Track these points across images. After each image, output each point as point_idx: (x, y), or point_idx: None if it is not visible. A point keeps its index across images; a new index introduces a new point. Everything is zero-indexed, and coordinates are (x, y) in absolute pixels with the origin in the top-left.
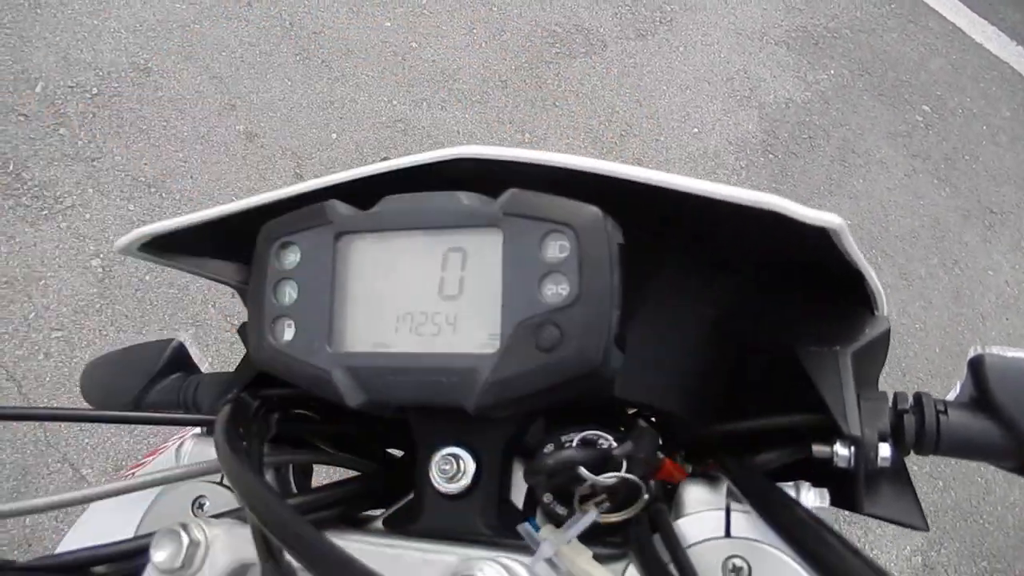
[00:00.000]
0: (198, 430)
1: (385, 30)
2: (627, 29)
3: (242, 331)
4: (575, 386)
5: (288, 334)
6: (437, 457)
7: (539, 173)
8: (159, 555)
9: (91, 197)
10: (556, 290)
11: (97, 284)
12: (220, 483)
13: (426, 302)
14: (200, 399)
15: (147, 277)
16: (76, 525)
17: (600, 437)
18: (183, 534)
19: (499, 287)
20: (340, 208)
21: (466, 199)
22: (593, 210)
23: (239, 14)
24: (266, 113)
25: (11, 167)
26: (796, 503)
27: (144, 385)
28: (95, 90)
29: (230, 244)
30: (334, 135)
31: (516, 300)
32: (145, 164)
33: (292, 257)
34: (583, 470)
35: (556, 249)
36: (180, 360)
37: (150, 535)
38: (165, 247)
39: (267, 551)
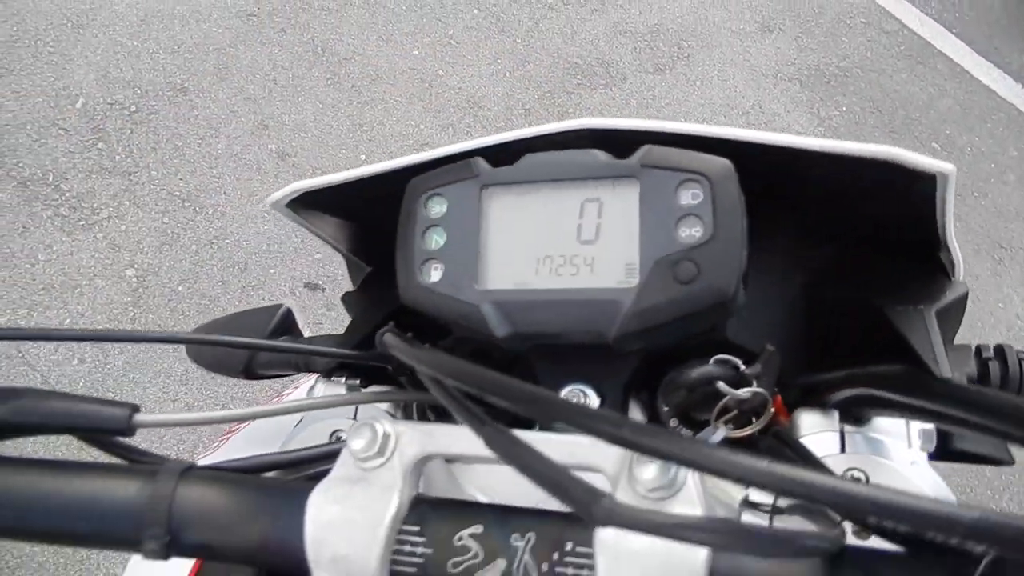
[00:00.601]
0: (313, 379)
1: (413, 58)
2: (646, 63)
3: (345, 300)
4: (707, 318)
5: (436, 275)
6: (563, 393)
7: (655, 140)
8: (357, 443)
9: (127, 209)
10: (691, 232)
11: (131, 293)
12: (354, 418)
13: (565, 246)
14: (313, 359)
15: (179, 288)
16: (204, 458)
17: (730, 360)
18: (376, 426)
19: (635, 230)
20: (484, 164)
21: (602, 155)
22: (724, 161)
23: (273, 39)
24: (298, 134)
25: (51, 178)
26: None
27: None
28: (133, 107)
29: (360, 207)
30: (363, 156)
31: (653, 241)
32: (180, 179)
33: (439, 208)
34: (722, 384)
35: (690, 196)
36: (288, 325)
37: (324, 444)
38: (307, 204)
39: (472, 416)
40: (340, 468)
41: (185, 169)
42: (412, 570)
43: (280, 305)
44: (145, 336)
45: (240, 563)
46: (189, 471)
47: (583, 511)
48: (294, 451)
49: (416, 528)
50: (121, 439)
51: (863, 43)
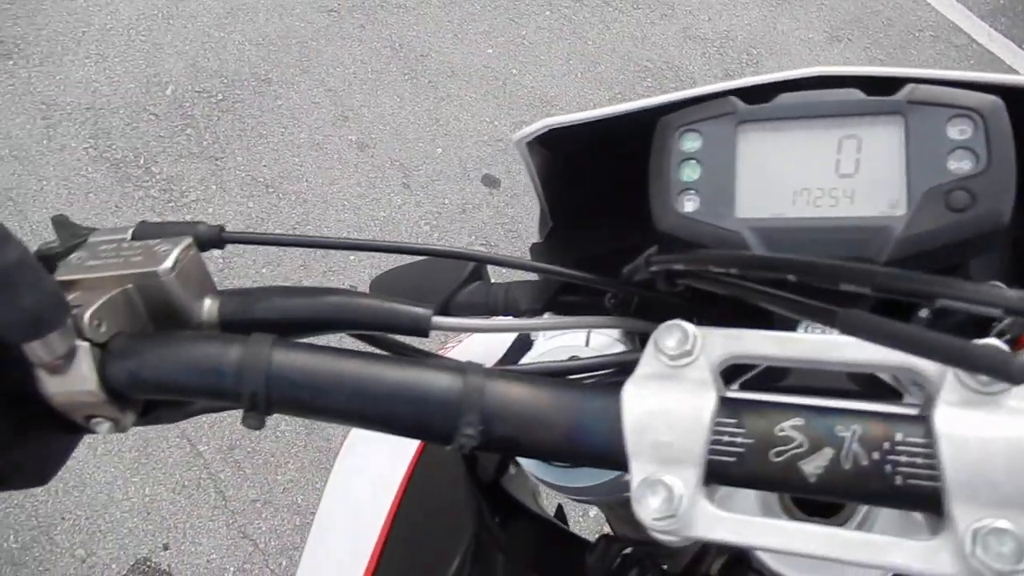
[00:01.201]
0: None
1: (487, 56)
2: (715, 68)
3: (533, 249)
4: (977, 245)
5: (692, 205)
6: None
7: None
8: (668, 341)
9: (214, 193)
10: (961, 164)
11: (216, 274)
12: (585, 344)
13: (822, 179)
14: (514, 300)
15: (264, 270)
16: None
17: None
18: (685, 325)
19: (900, 164)
20: (739, 102)
21: (860, 94)
22: (994, 98)
23: (353, 35)
24: (376, 126)
25: (142, 161)
26: None
27: (451, 291)
28: (220, 96)
29: (596, 150)
30: (439, 150)
31: (922, 173)
32: (264, 166)
33: (694, 143)
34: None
35: (960, 131)
36: (480, 271)
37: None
38: (546, 143)
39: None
40: (647, 366)
41: (269, 156)
42: (731, 459)
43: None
44: (436, 250)
45: (547, 457)
46: (492, 371)
47: (1001, 371)
48: (591, 358)
49: (733, 420)
50: (399, 339)
51: (931, 56)
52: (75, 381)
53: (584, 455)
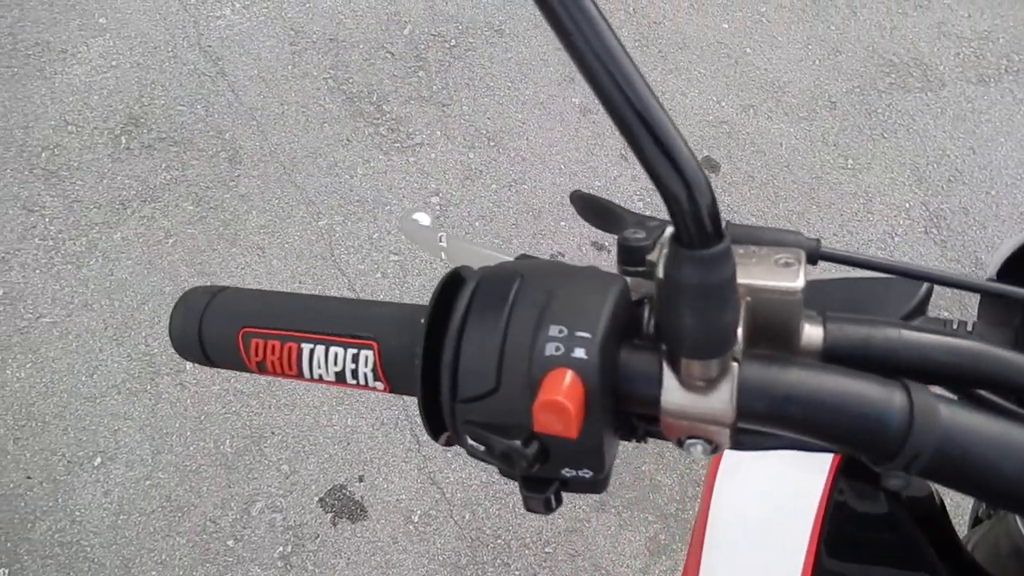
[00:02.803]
0: None
1: (722, 31)
2: (968, 72)
3: None
4: None
5: None
6: None
7: None
8: None
9: (438, 139)
10: None
11: (433, 221)
12: None
13: None
14: None
15: (476, 223)
16: None
17: None
18: None
19: None
20: None
21: None
22: None
23: None
24: None
25: (375, 98)
26: None
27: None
28: (453, 42)
29: None
30: None
31: None
32: (488, 118)
33: None
34: None
35: None
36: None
37: None
38: None
39: None
40: None
41: (493, 109)
42: None
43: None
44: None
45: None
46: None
47: None
48: None
49: None
50: None
51: None
52: (710, 402)
53: None
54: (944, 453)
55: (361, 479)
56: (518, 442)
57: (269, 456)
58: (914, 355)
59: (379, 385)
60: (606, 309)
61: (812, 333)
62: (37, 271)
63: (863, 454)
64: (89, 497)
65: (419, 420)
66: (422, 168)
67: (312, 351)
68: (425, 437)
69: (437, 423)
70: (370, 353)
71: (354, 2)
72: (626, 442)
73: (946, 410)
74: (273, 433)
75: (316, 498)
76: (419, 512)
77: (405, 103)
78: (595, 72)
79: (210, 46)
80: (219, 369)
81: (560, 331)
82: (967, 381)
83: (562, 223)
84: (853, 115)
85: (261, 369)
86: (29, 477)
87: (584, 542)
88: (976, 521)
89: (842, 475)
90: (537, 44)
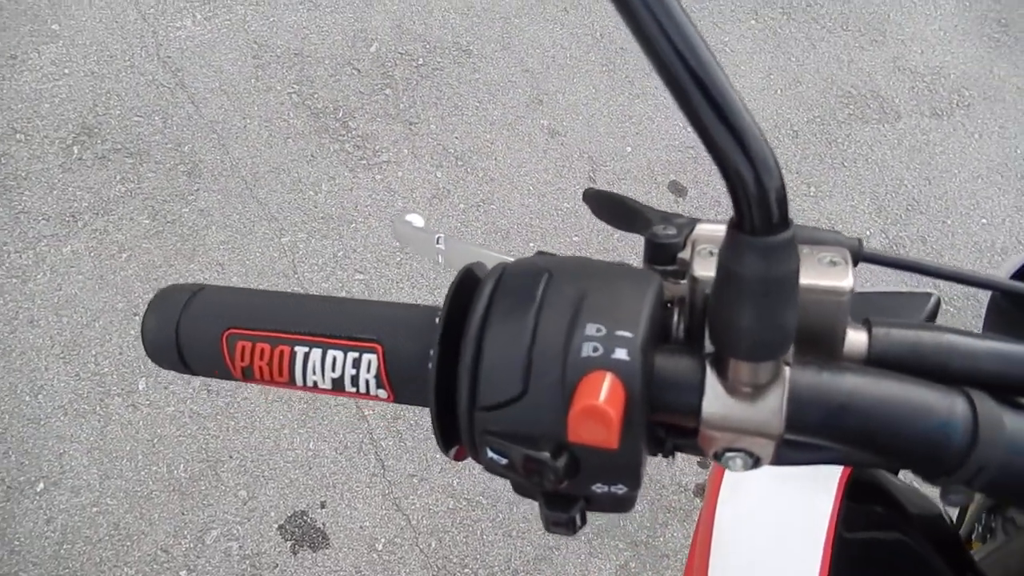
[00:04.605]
0: None
1: None
2: (923, 105)
3: None
4: None
5: None
6: None
7: None
8: None
9: (405, 157)
10: None
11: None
12: None
13: None
14: None
15: None
16: None
17: None
18: None
19: None
20: None
21: None
22: None
23: (556, 17)
24: (569, 114)
25: (340, 114)
26: None
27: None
28: (421, 60)
29: None
30: (628, 148)
31: None
32: (456, 138)
33: None
34: None
35: None
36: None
37: None
38: None
39: None
40: None
41: (461, 129)
42: None
43: (930, 294)
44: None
45: None
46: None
47: None
48: None
49: None
50: None
51: None
52: (757, 412)
53: None
54: (1011, 466)
55: (323, 505)
56: (547, 453)
57: (226, 481)
58: (967, 362)
59: (382, 394)
60: (646, 307)
61: (856, 339)
62: None
63: (921, 468)
64: (30, 525)
65: (384, 444)
66: (389, 186)
67: (307, 355)
68: (390, 462)
69: (450, 435)
70: (373, 357)
71: (320, 18)
72: (652, 457)
73: (1011, 419)
74: (231, 457)
75: (275, 525)
76: (383, 540)
77: (371, 120)
78: (652, 36)
79: (169, 57)
80: (197, 376)
81: (598, 330)
82: (1020, 389)
83: (531, 243)
84: (814, 143)
85: (247, 376)
86: None
87: (553, 570)
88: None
89: (848, 498)
90: (505, 65)
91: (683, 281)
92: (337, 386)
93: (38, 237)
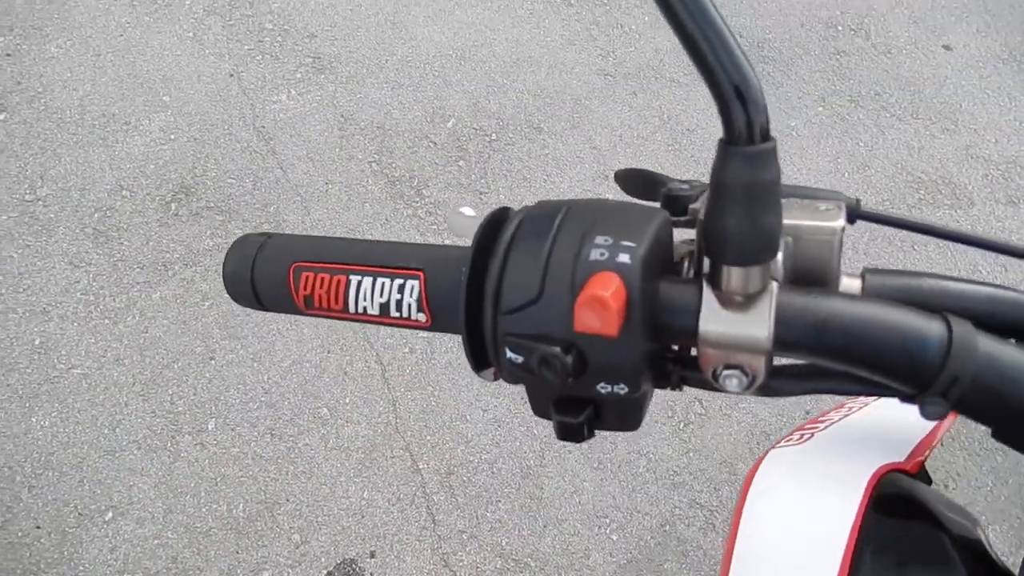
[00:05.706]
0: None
1: None
2: (997, 192)
3: None
4: None
5: None
6: None
7: None
8: None
9: None
10: None
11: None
12: None
13: None
14: None
15: None
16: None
17: None
18: None
19: None
20: None
21: None
22: None
23: (624, 100)
24: None
25: (415, 183)
26: None
27: None
28: (494, 136)
29: None
30: None
31: None
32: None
33: None
34: None
35: None
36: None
37: None
38: None
39: None
40: None
41: (529, 199)
42: None
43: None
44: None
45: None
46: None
47: None
48: None
49: None
50: None
51: None
52: (748, 323)
53: None
54: (982, 380)
55: (373, 555)
56: (557, 348)
57: (281, 524)
58: (954, 302)
59: (422, 317)
60: (651, 227)
61: (850, 283)
62: (75, 323)
63: (900, 381)
64: (95, 552)
65: (436, 498)
66: None
67: (359, 283)
68: (441, 516)
69: (480, 352)
70: (416, 283)
71: (403, 95)
72: (660, 390)
73: (984, 340)
74: (288, 500)
75: (325, 571)
76: None
77: (444, 189)
78: None
79: (264, 127)
80: (268, 312)
81: (606, 240)
82: (1008, 330)
83: None
84: (883, 227)
85: (308, 305)
86: (38, 527)
87: None
88: None
89: (874, 511)
90: (574, 142)
91: (693, 234)
92: (384, 312)
93: (132, 283)
